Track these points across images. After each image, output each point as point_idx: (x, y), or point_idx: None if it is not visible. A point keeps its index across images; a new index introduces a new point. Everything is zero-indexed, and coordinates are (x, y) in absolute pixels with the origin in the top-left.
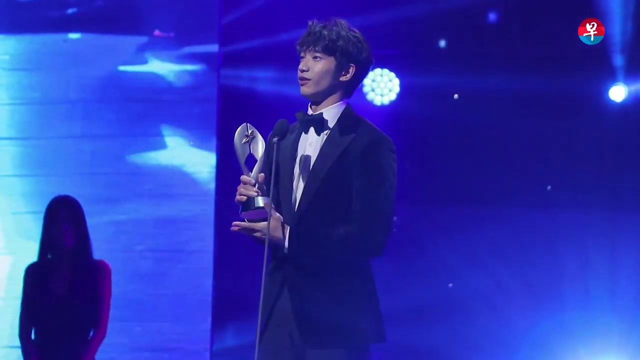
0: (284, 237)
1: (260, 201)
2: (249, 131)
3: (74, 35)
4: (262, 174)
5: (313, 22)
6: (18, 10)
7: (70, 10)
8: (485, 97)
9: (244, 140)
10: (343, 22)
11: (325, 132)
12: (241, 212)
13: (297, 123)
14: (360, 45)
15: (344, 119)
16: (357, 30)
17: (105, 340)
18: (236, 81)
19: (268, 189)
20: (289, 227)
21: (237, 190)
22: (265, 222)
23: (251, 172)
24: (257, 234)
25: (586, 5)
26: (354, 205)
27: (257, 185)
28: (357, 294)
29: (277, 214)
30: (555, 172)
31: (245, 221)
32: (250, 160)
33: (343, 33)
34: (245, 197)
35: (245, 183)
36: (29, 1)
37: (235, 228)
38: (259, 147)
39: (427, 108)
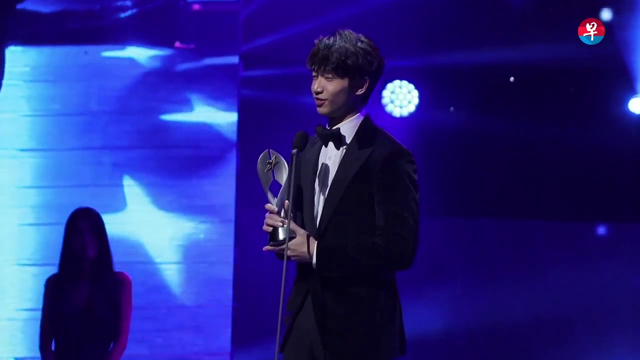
0: (310, 252)
1: (282, 233)
2: (272, 157)
3: (94, 47)
4: (287, 200)
5: (320, 40)
6: (39, 22)
7: (91, 22)
8: (505, 109)
9: (266, 168)
10: (348, 33)
11: (344, 146)
12: (269, 242)
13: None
14: (370, 57)
15: (362, 132)
16: (364, 38)
17: (126, 351)
18: (257, 91)
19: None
20: (315, 242)
21: (264, 219)
22: (293, 240)
23: (276, 198)
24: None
25: (605, 16)
26: (377, 220)
27: (281, 213)
28: (382, 307)
29: (302, 230)
30: (576, 183)
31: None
32: (275, 186)
33: (351, 48)
34: (271, 228)
35: (270, 212)
36: (50, 13)
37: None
38: (283, 173)
39: (446, 120)
